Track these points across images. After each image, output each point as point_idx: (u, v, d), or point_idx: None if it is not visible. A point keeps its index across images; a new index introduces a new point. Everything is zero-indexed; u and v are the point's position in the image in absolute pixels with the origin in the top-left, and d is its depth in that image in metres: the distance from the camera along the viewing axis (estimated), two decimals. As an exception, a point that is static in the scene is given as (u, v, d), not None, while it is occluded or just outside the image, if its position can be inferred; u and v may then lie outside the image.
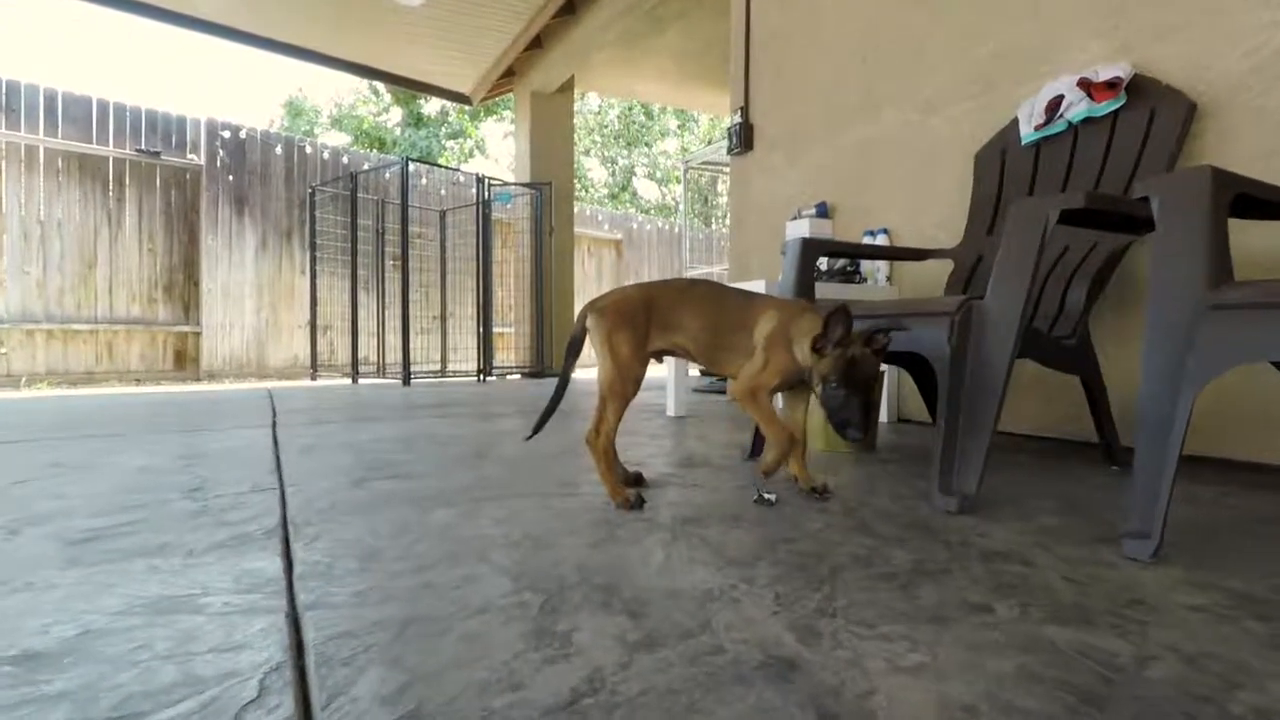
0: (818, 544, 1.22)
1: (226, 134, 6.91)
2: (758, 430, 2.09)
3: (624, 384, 1.51)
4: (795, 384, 1.57)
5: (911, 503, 1.52)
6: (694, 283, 1.65)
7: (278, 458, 2.11)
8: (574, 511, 1.44)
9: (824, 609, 0.92)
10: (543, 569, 1.08)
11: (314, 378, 6.82)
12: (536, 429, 1.63)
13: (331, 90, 26.03)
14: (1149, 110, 1.99)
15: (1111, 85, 2.04)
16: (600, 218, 11.12)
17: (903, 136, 3.04)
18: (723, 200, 7.27)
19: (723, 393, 4.67)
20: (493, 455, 2.16)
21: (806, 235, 3.19)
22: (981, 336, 1.47)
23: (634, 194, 19.00)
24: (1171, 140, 1.92)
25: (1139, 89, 2.04)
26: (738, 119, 4.05)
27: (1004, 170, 2.38)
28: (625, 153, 18.77)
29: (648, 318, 1.56)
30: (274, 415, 3.33)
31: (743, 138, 3.99)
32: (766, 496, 1.50)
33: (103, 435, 2.62)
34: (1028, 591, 0.99)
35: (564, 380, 1.63)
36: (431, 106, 15.93)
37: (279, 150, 7.26)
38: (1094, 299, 1.88)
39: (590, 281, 10.25)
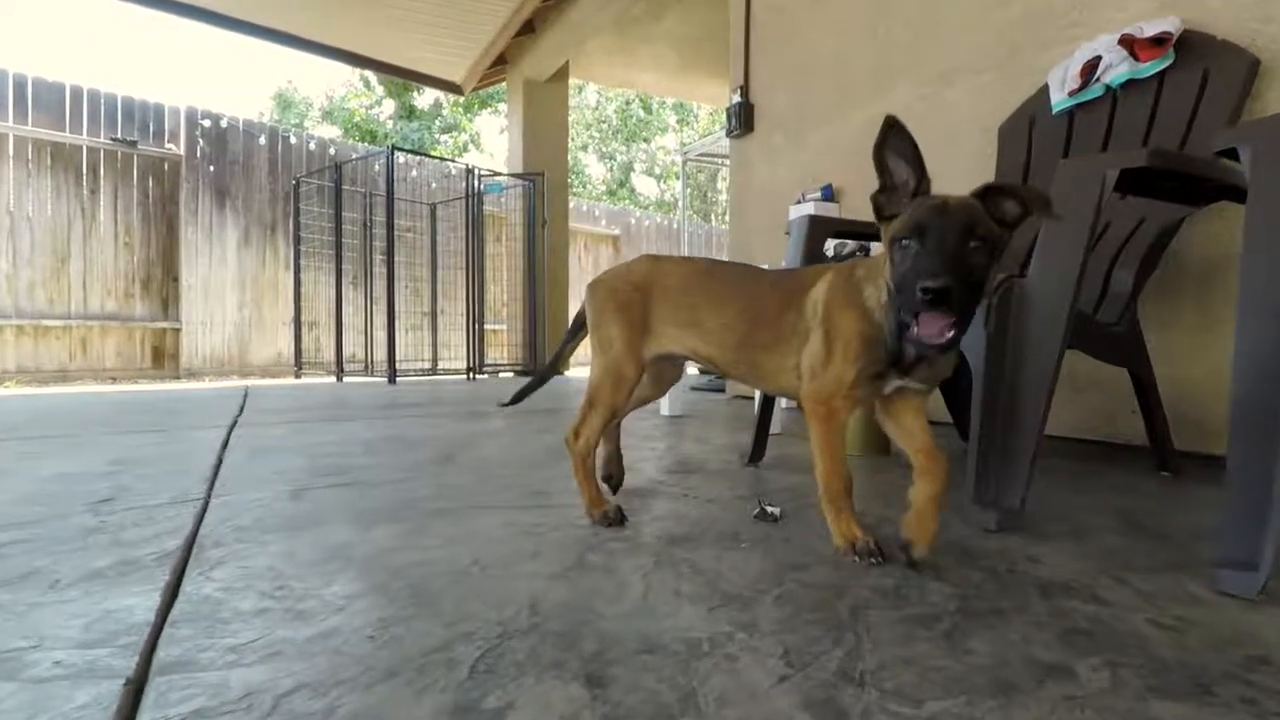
0: (833, 573, 0.99)
1: (207, 123, 6.66)
2: (759, 432, 1.85)
3: (611, 388, 1.25)
4: (881, 379, 1.06)
5: (941, 517, 1.29)
6: (716, 264, 1.31)
7: (220, 462, 1.88)
8: (541, 529, 1.21)
9: (848, 672, 0.69)
10: (487, 609, 0.85)
11: (298, 376, 6.58)
12: (515, 399, 1.53)
13: (322, 82, 25.80)
14: (1201, 70, 1.76)
15: (1159, 42, 1.80)
16: (597, 213, 10.87)
17: (917, 112, 2.80)
18: (723, 197, 7.03)
19: (723, 390, 4.40)
20: (462, 459, 1.93)
21: (811, 219, 2.95)
22: (1024, 320, 1.24)
23: (632, 190, 18.71)
24: (1229, 103, 1.69)
25: (1189, 46, 1.81)
26: (737, 98, 3.80)
27: (1032, 142, 2.15)
28: (623, 148, 18.49)
29: (645, 304, 1.25)
30: (238, 415, 3.09)
31: (743, 118, 3.75)
32: (770, 510, 1.28)
33: (39, 437, 2.39)
34: (1112, 643, 0.76)
35: (556, 356, 1.52)
36: (424, 100, 15.63)
37: (262, 140, 7.01)
38: (1143, 281, 1.65)
39: (587, 277, 10.00)
